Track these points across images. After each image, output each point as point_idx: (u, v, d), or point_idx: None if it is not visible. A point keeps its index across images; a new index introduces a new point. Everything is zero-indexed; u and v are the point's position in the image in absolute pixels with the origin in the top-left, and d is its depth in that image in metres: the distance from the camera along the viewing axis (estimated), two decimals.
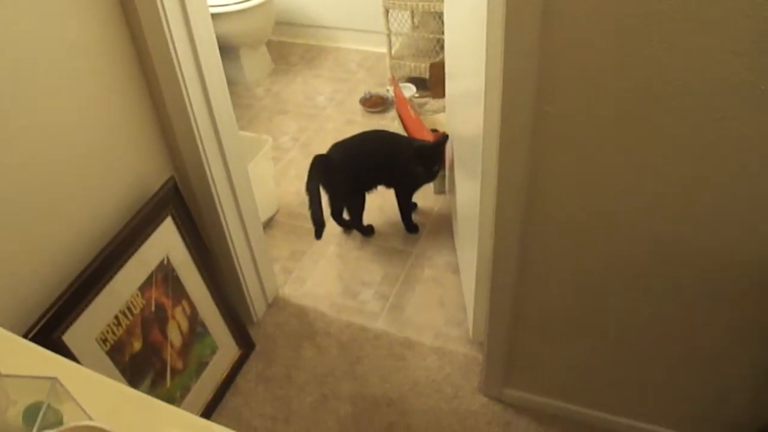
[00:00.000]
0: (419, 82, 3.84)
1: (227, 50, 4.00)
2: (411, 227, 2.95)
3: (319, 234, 2.70)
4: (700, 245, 1.49)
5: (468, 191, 2.16)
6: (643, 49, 1.23)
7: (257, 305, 2.51)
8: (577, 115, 1.38)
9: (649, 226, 1.51)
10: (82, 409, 0.89)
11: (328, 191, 2.80)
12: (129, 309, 1.82)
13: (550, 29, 1.28)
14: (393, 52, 3.95)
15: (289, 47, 4.63)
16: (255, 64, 4.23)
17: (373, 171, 2.82)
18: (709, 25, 1.16)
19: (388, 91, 3.90)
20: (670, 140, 1.34)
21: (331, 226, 2.97)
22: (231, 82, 4.12)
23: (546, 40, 1.30)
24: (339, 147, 2.79)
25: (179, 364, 2.04)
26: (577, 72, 1.32)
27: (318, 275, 2.76)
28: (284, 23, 4.60)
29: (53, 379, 0.83)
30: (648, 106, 1.31)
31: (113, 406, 0.99)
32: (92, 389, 1.01)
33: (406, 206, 2.95)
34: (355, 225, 2.92)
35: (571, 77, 1.33)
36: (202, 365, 2.15)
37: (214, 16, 3.65)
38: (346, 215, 2.94)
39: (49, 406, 0.83)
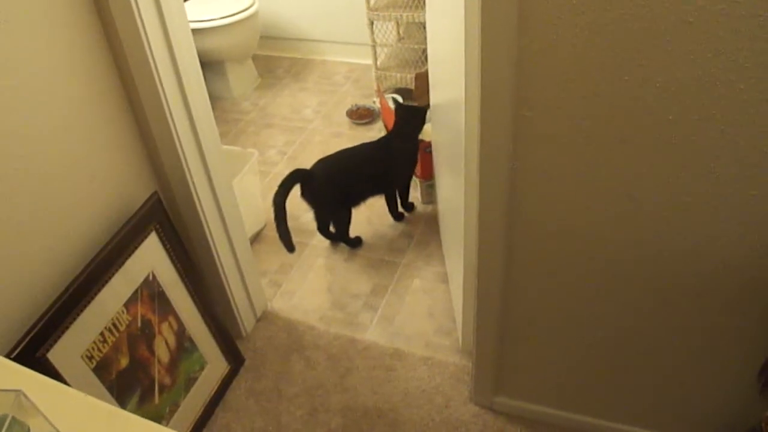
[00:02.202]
0: (405, 93, 3.85)
1: (213, 65, 4.02)
2: (400, 216, 3.07)
3: (290, 248, 2.69)
4: (686, 248, 1.49)
5: (453, 200, 2.17)
6: (619, 51, 1.24)
7: (246, 319, 2.50)
8: (556, 119, 1.39)
9: (633, 229, 1.51)
10: (50, 423, 0.88)
11: (313, 206, 2.81)
12: (115, 325, 1.81)
13: (526, 35, 1.29)
14: (379, 63, 3.96)
15: (275, 61, 4.64)
16: (241, 78, 4.23)
17: (367, 181, 2.85)
18: (685, 25, 1.17)
19: (374, 102, 3.91)
20: (650, 141, 1.34)
21: (320, 239, 2.97)
22: (217, 97, 4.15)
23: (522, 46, 1.30)
24: (324, 162, 2.79)
25: (167, 380, 2.02)
26: (555, 77, 1.32)
27: (307, 288, 2.75)
28: (270, 37, 4.62)
29: (18, 392, 0.82)
30: (626, 108, 1.31)
31: (82, 419, 0.98)
32: (61, 403, 1.00)
33: (406, 194, 3.06)
34: (341, 239, 2.92)
35: (549, 82, 1.33)
36: (191, 381, 2.14)
37: (199, 31, 3.69)
38: (332, 228, 2.93)
39: (14, 419, 0.82)
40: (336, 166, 2.79)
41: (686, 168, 1.35)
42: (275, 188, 2.64)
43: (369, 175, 2.86)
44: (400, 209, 3.09)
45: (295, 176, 2.70)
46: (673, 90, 1.25)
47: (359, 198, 2.89)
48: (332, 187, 2.77)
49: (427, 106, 2.91)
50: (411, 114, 2.86)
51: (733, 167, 1.32)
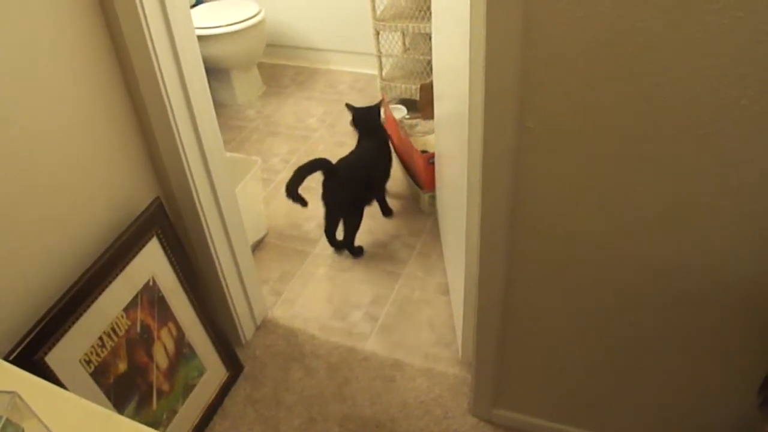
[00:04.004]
0: (410, 104, 3.86)
1: (218, 72, 4.03)
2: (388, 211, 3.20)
3: (303, 202, 2.72)
4: (687, 262, 1.49)
5: (455, 211, 2.17)
6: (623, 65, 1.24)
7: (246, 327, 2.49)
8: (559, 131, 1.38)
9: (635, 242, 1.50)
10: (44, 425, 0.88)
11: (331, 205, 2.85)
12: (114, 330, 1.81)
13: (530, 48, 1.29)
14: (384, 73, 3.97)
15: (281, 69, 4.65)
16: (246, 86, 4.24)
17: (374, 180, 2.99)
18: (689, 40, 1.17)
19: None
20: (654, 155, 1.34)
21: (322, 248, 2.96)
22: (222, 104, 4.16)
23: (527, 58, 1.30)
24: (346, 162, 2.86)
25: (165, 387, 2.02)
26: (559, 89, 1.32)
27: (307, 297, 2.74)
28: (276, 45, 4.63)
29: (12, 393, 0.82)
30: (630, 122, 1.31)
31: (77, 422, 0.97)
32: (57, 406, 1.00)
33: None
34: (348, 242, 2.91)
35: (553, 94, 1.33)
36: (189, 387, 2.13)
37: (205, 38, 3.70)
38: (339, 236, 2.94)
39: (8, 420, 0.81)
40: (355, 166, 2.87)
41: (689, 182, 1.35)
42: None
43: (375, 173, 3.00)
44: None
45: (320, 164, 2.73)
46: (678, 104, 1.25)
47: (370, 198, 3.00)
48: (355, 186, 2.83)
49: (380, 103, 3.06)
50: (365, 113, 3.00)
51: (735, 182, 1.31)
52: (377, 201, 3.11)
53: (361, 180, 2.86)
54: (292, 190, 2.66)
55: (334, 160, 2.84)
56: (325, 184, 2.78)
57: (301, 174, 2.66)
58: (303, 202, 2.70)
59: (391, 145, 3.12)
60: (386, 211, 3.16)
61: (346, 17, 4.31)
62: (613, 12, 1.18)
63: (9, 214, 1.54)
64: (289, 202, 2.66)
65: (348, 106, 3.01)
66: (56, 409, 0.96)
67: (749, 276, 1.45)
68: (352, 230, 2.91)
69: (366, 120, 2.99)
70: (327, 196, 2.81)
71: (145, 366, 1.93)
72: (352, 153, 2.95)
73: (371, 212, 3.03)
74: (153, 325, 1.95)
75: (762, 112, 1.20)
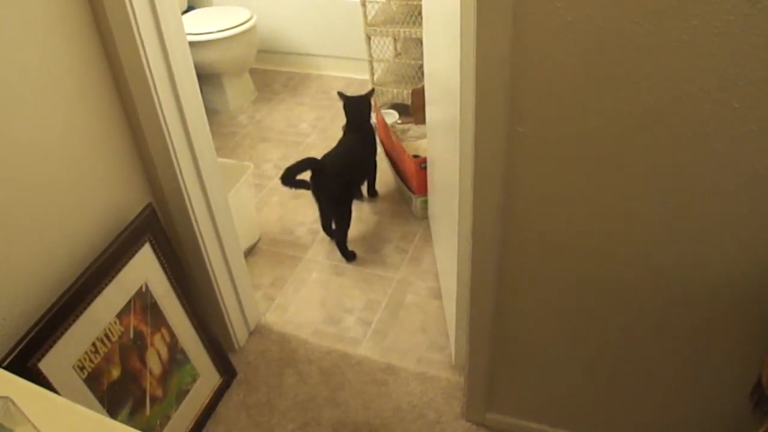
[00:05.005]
0: (402, 109, 3.86)
1: (210, 78, 4.03)
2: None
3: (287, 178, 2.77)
4: (681, 264, 1.49)
5: (447, 215, 2.17)
6: (614, 68, 1.25)
7: (239, 333, 2.49)
8: (550, 135, 1.39)
9: (628, 245, 1.51)
10: (37, 431, 0.88)
11: (323, 199, 2.89)
12: (107, 336, 1.81)
13: (520, 52, 1.29)
14: (375, 78, 3.98)
15: (273, 75, 4.65)
16: (238, 91, 4.24)
17: (359, 171, 3.06)
18: (679, 44, 1.18)
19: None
20: (645, 158, 1.35)
21: (314, 253, 2.97)
22: (214, 110, 4.16)
23: (517, 62, 1.31)
24: (332, 157, 2.88)
25: (159, 392, 2.02)
26: (549, 93, 1.33)
27: (300, 302, 2.75)
28: (267, 51, 4.63)
29: (5, 399, 0.82)
30: (621, 125, 1.32)
31: (70, 428, 0.97)
32: (50, 411, 1.00)
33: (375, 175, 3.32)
34: (340, 244, 2.93)
35: (543, 98, 1.34)
36: (183, 393, 2.13)
37: (197, 44, 3.70)
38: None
39: (1, 426, 0.81)
40: (341, 161, 2.90)
41: (680, 184, 1.36)
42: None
43: (361, 167, 3.07)
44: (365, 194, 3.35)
45: (308, 164, 2.74)
46: (668, 107, 1.26)
47: (357, 191, 3.10)
48: (342, 181, 2.85)
49: (371, 92, 3.12)
50: (357, 102, 3.05)
51: (726, 184, 1.32)
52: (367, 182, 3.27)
53: (347, 174, 2.90)
54: (288, 182, 2.71)
55: None
56: (313, 180, 2.80)
57: (291, 172, 2.69)
58: (306, 186, 2.76)
59: (377, 138, 3.18)
60: (371, 192, 3.32)
61: (337, 23, 4.31)
62: (603, 16, 1.19)
63: (1, 220, 1.54)
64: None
65: (340, 94, 3.05)
66: (49, 415, 0.96)
67: (743, 277, 1.46)
68: (342, 227, 2.92)
69: (356, 109, 3.03)
70: (316, 192, 2.85)
71: (138, 372, 1.93)
72: (337, 147, 2.98)
73: (363, 216, 3.04)
74: (146, 331, 1.95)
75: (752, 115, 1.21)
